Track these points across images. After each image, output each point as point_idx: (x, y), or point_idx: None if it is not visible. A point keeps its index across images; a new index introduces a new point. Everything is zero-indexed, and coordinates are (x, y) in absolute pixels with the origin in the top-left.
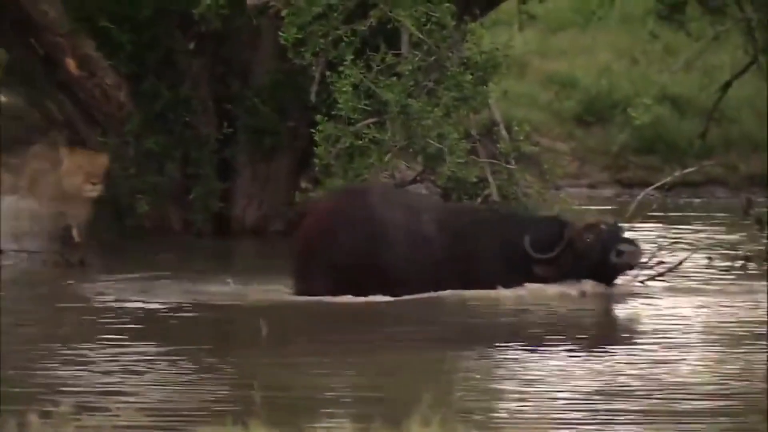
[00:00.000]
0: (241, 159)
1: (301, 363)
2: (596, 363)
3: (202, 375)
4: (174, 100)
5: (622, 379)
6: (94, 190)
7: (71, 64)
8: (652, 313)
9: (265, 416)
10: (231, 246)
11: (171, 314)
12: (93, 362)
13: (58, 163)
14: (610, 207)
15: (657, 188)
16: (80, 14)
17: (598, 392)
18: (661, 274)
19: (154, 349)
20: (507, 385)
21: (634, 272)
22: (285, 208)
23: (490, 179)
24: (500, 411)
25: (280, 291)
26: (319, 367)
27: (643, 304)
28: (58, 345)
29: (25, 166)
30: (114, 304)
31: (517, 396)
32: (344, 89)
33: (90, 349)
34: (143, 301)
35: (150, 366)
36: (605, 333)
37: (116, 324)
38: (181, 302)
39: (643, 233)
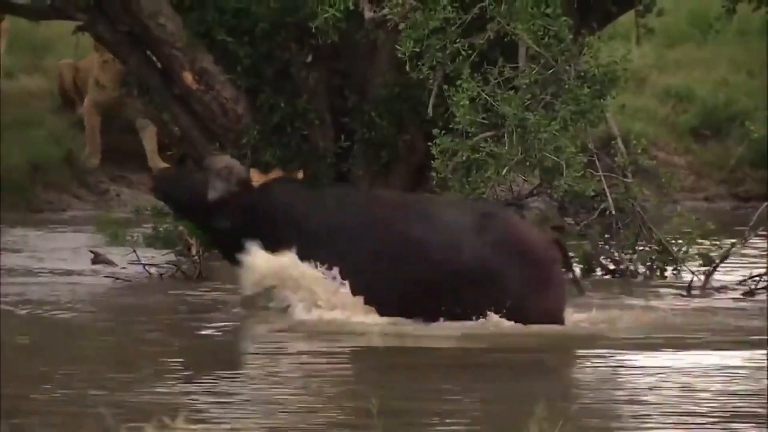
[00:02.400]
0: (358, 172)
1: None
2: None
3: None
4: (291, 114)
5: None
6: None
7: (188, 77)
8: None
9: None
10: None
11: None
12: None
13: None
14: (727, 220)
15: None
16: (198, 28)
17: None
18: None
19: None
20: None
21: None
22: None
23: (608, 193)
24: None
25: None
26: None
27: None
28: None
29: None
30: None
31: None
32: (461, 102)
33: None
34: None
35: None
36: None
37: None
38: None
39: (759, 248)
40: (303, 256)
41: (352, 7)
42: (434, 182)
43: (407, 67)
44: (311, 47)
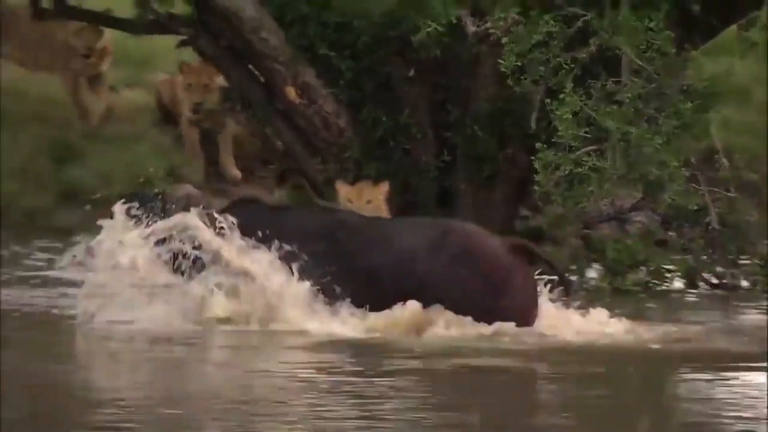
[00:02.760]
0: (460, 186)
1: None
2: None
3: None
4: (393, 128)
5: None
6: None
7: (291, 92)
8: None
9: None
10: None
11: None
12: None
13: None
14: None
15: None
16: (301, 42)
17: None
18: None
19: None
20: None
21: None
22: (504, 236)
23: (711, 207)
24: None
25: None
26: None
27: None
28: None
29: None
30: None
31: None
32: (564, 116)
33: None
34: None
35: None
36: None
37: None
38: None
39: None
40: None
41: (454, 21)
42: (536, 196)
43: (509, 81)
44: (413, 61)
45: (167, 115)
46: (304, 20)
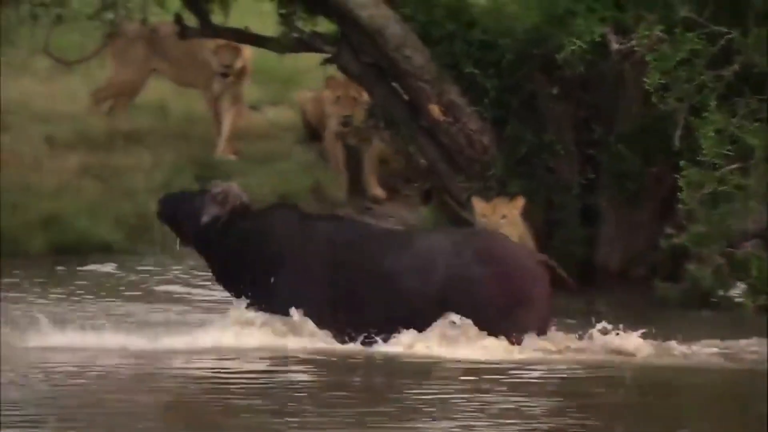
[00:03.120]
0: (605, 204)
1: None
2: None
3: None
4: (537, 145)
5: None
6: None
7: (435, 109)
8: None
9: None
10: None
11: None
12: None
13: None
14: None
15: None
16: (445, 60)
17: None
18: None
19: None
20: None
21: None
22: (649, 254)
23: None
24: None
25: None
26: None
27: None
28: None
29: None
30: None
31: None
32: (708, 134)
33: None
34: None
35: None
36: None
37: None
38: None
39: None
40: (281, 286)
41: (598, 39)
42: (681, 214)
43: (654, 99)
44: (557, 79)
45: (312, 132)
46: (450, 38)
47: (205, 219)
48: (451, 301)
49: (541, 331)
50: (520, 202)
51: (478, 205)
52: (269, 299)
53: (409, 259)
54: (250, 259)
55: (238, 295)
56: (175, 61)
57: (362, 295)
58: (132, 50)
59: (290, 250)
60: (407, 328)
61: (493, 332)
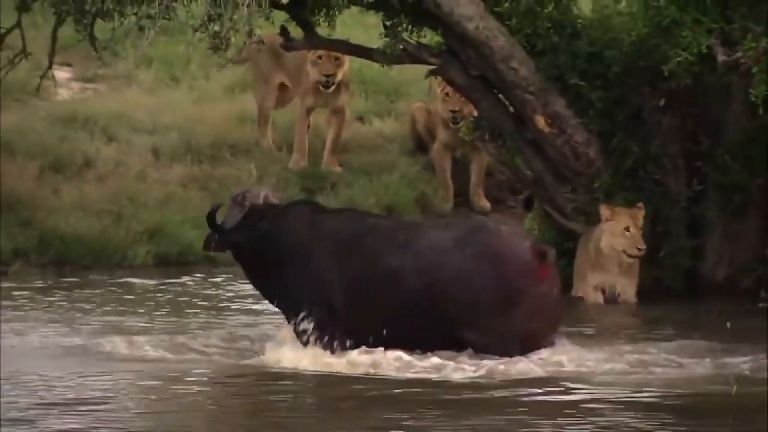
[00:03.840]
0: (711, 216)
1: None
2: None
3: None
4: (644, 157)
5: None
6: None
7: (541, 121)
8: None
9: None
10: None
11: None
12: None
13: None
14: None
15: None
16: (551, 72)
17: None
18: None
19: None
20: None
21: None
22: (755, 265)
23: None
24: None
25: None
26: None
27: None
28: None
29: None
30: None
31: None
32: None
33: None
34: None
35: None
36: None
37: None
38: None
39: None
40: (297, 280)
41: (705, 51)
42: None
43: (760, 111)
44: (664, 91)
45: (420, 144)
46: (555, 50)
47: (229, 223)
48: (450, 298)
49: (552, 329)
50: (642, 209)
51: (605, 211)
52: (282, 297)
53: (411, 257)
54: (267, 259)
55: (271, 300)
56: (292, 74)
57: (366, 292)
58: (264, 65)
59: (297, 247)
60: (408, 327)
61: (490, 328)
